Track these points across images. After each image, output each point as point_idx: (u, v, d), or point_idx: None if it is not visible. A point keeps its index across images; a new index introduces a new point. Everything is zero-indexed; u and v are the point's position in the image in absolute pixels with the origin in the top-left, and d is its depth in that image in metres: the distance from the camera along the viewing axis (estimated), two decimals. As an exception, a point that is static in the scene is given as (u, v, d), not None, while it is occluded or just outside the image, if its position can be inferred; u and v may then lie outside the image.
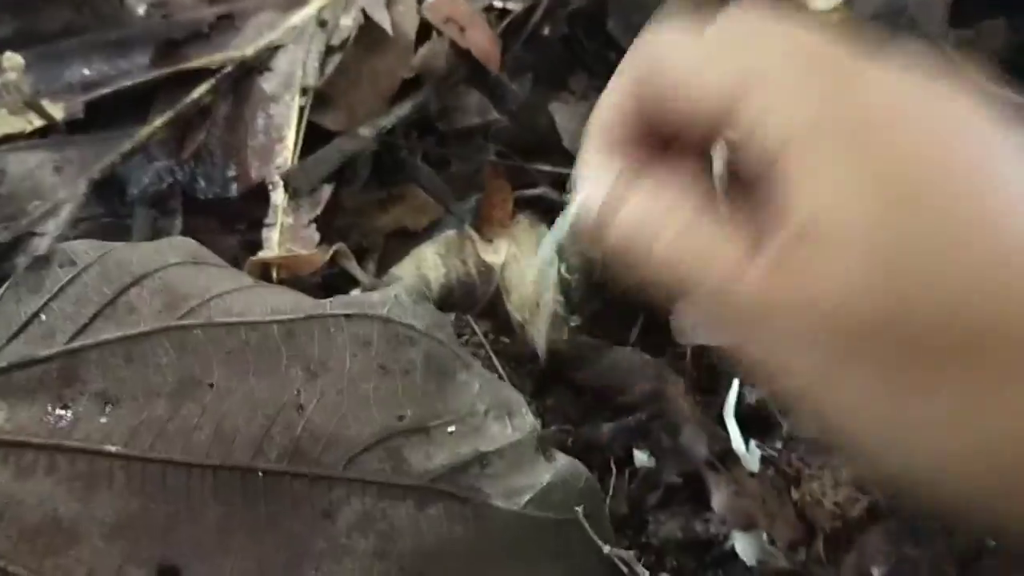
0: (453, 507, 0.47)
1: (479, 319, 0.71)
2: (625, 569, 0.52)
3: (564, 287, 0.76)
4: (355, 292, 0.66)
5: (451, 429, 0.47)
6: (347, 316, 0.48)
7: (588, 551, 0.50)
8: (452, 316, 0.69)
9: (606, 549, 0.50)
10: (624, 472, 0.66)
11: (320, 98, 0.75)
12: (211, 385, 0.46)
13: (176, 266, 0.48)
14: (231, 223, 0.72)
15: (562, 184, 0.79)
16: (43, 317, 0.47)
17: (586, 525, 0.50)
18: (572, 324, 0.75)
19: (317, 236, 0.69)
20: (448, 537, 0.46)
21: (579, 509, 0.50)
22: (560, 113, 0.81)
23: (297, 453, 0.45)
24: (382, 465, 0.46)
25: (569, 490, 0.50)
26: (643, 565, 0.58)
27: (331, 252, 0.68)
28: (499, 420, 0.49)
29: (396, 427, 0.47)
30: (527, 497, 0.49)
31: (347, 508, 0.45)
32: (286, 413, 0.46)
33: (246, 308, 0.47)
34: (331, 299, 0.49)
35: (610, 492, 0.63)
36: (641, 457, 0.66)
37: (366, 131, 0.75)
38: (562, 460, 0.51)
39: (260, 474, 0.45)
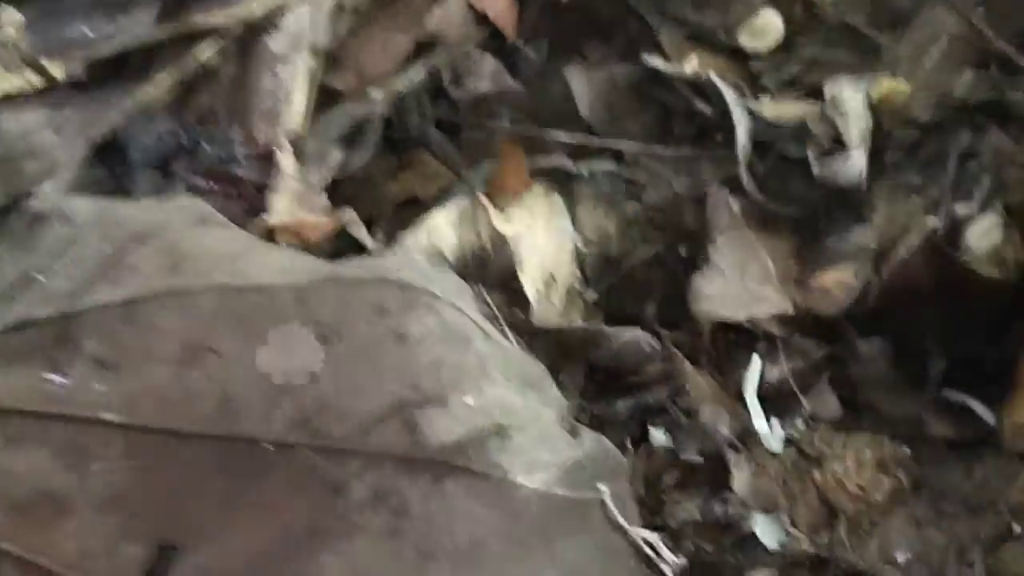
0: (471, 483, 0.45)
1: (492, 291, 0.69)
2: (651, 552, 0.50)
3: (580, 260, 0.75)
4: (364, 260, 0.64)
5: (470, 401, 0.45)
6: (362, 280, 0.45)
7: (613, 532, 0.48)
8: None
9: (632, 531, 0.48)
10: (640, 450, 0.64)
11: (330, 59, 0.73)
12: (216, 351, 0.43)
13: (182, 226, 0.46)
14: (236, 188, 0.70)
15: (578, 153, 0.78)
16: (38, 277, 0.45)
17: (612, 506, 0.48)
18: (588, 298, 0.73)
19: (326, 202, 0.67)
20: (466, 514, 0.44)
21: (605, 488, 0.48)
22: (576, 80, 0.79)
23: (307, 424, 0.43)
24: (397, 438, 0.44)
25: (595, 468, 0.48)
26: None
27: (340, 219, 0.66)
28: (521, 393, 0.46)
29: (412, 398, 0.44)
30: (550, 474, 0.46)
31: (359, 483, 0.43)
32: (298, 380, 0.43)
33: (255, 271, 0.45)
34: (345, 262, 0.47)
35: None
36: (658, 435, 0.65)
37: (377, 94, 0.73)
38: (588, 436, 0.49)
39: (267, 446, 0.43)
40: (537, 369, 0.49)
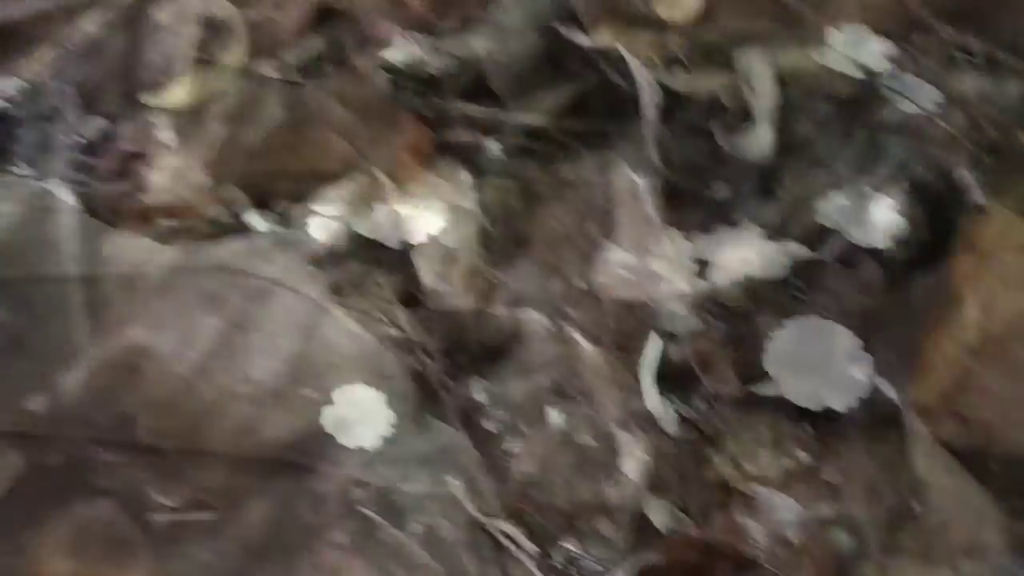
0: (307, 481, 0.43)
1: (390, 273, 0.68)
2: (509, 543, 0.49)
3: (486, 238, 0.73)
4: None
5: (310, 395, 0.44)
6: (199, 269, 0.44)
7: (463, 525, 0.47)
8: (358, 270, 0.66)
9: (486, 522, 0.47)
10: (536, 433, 0.63)
11: (221, 30, 0.71)
12: (35, 346, 0.42)
13: (9, 212, 0.44)
14: (119, 164, 0.68)
15: (487, 127, 0.76)
16: None
17: (463, 498, 0.46)
18: (491, 277, 0.72)
19: (206, 179, 0.65)
20: (296, 513, 0.43)
21: (454, 481, 0.46)
22: (487, 51, 0.77)
23: (129, 423, 0.41)
24: (226, 435, 0.42)
25: (445, 461, 0.47)
26: (550, 530, 0.56)
27: (223, 197, 0.64)
28: (368, 384, 0.45)
29: (247, 392, 0.43)
30: (394, 469, 0.45)
31: (186, 485, 0.42)
32: (120, 378, 0.42)
33: (81, 258, 0.43)
34: (180, 247, 0.45)
35: (519, 454, 0.61)
36: (553, 417, 0.64)
37: (270, 65, 0.71)
38: (437, 428, 0.48)
39: (88, 447, 0.41)
40: (388, 357, 0.48)
